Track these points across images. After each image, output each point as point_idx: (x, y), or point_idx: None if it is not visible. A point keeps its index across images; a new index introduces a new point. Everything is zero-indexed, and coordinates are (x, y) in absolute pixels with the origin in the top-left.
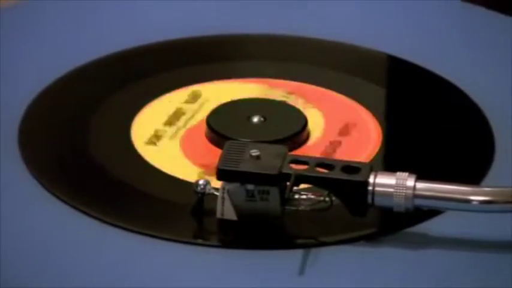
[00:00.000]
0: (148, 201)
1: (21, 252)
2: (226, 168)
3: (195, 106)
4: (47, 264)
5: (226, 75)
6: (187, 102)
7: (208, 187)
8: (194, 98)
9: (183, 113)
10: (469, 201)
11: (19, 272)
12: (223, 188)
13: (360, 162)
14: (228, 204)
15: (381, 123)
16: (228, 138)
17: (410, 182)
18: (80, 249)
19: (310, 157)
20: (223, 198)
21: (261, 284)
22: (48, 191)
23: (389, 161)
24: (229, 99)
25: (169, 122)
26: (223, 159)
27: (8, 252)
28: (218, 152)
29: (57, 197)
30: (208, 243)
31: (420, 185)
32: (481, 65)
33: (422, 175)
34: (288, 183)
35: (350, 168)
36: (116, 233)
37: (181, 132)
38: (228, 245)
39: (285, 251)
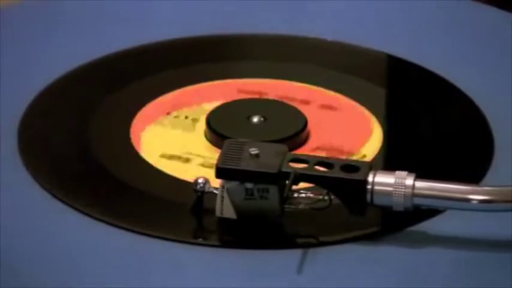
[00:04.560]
0: (148, 201)
1: (21, 252)
2: (225, 166)
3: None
4: (46, 265)
5: (225, 76)
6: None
7: (207, 186)
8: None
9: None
10: (468, 200)
11: (19, 272)
12: (223, 187)
13: (359, 161)
14: (227, 203)
15: (380, 123)
16: (228, 139)
17: (409, 180)
18: (79, 249)
19: (310, 156)
20: (222, 196)
21: (260, 284)
22: (48, 191)
23: (389, 160)
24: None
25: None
26: (222, 157)
27: (8, 253)
28: None
29: (57, 198)
30: (208, 243)
31: (419, 183)
32: (481, 64)
33: (422, 175)
34: (287, 181)
35: (349, 167)
36: (116, 233)
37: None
38: (228, 244)
39: (285, 250)
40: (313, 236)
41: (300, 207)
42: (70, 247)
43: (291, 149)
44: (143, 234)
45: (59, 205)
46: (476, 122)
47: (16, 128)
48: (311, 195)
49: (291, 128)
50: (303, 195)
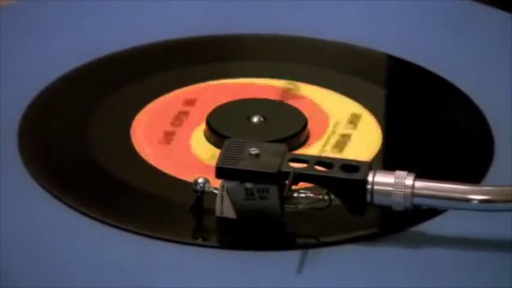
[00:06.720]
0: (148, 201)
1: (21, 252)
2: (225, 166)
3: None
4: (46, 265)
5: (225, 75)
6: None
7: (207, 185)
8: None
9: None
10: (468, 200)
11: (19, 272)
12: (223, 186)
13: (359, 161)
14: (227, 203)
15: (380, 123)
16: (228, 138)
17: (409, 180)
18: (79, 249)
19: (310, 156)
20: (222, 196)
21: (260, 284)
22: (48, 191)
23: (389, 160)
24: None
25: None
26: (222, 157)
27: (8, 253)
28: None
29: (57, 198)
30: (207, 243)
31: (419, 183)
32: (481, 65)
33: (422, 175)
34: (287, 181)
35: (349, 166)
36: (115, 233)
37: None
38: (228, 245)
39: (285, 251)
40: (313, 236)
41: (300, 207)
42: (69, 247)
43: (291, 149)
44: (143, 234)
45: (59, 205)
46: (476, 122)
47: (16, 128)
48: (311, 195)
49: (291, 128)
50: (303, 195)
